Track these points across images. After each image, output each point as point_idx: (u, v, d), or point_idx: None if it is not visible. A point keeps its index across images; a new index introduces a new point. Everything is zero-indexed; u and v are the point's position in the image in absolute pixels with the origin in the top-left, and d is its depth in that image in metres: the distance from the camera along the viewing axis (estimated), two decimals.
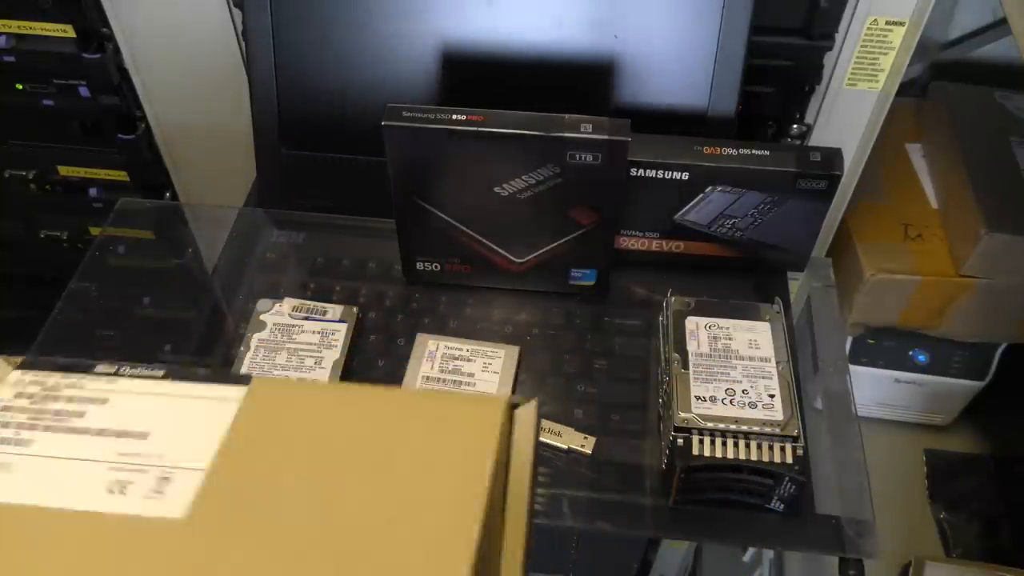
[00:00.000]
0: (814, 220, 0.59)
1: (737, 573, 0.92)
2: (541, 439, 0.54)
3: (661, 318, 0.59)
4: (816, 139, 0.71)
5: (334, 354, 0.56)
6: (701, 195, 0.58)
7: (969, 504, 0.88)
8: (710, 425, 0.49)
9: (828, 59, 0.65)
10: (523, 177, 0.55)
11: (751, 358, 0.53)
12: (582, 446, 0.53)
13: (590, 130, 0.52)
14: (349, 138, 0.65)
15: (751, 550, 0.90)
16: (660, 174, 0.57)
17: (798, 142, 0.71)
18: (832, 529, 0.51)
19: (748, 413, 0.50)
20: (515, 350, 0.57)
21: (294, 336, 0.57)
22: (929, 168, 0.87)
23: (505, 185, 0.56)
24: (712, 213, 0.59)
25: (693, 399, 0.50)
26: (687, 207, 0.59)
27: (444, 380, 0.55)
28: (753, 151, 0.57)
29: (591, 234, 0.58)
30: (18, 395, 0.27)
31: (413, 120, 0.53)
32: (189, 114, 0.77)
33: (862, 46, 0.64)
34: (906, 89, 0.90)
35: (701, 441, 0.49)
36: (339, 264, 0.64)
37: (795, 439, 0.49)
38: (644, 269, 0.64)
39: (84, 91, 0.74)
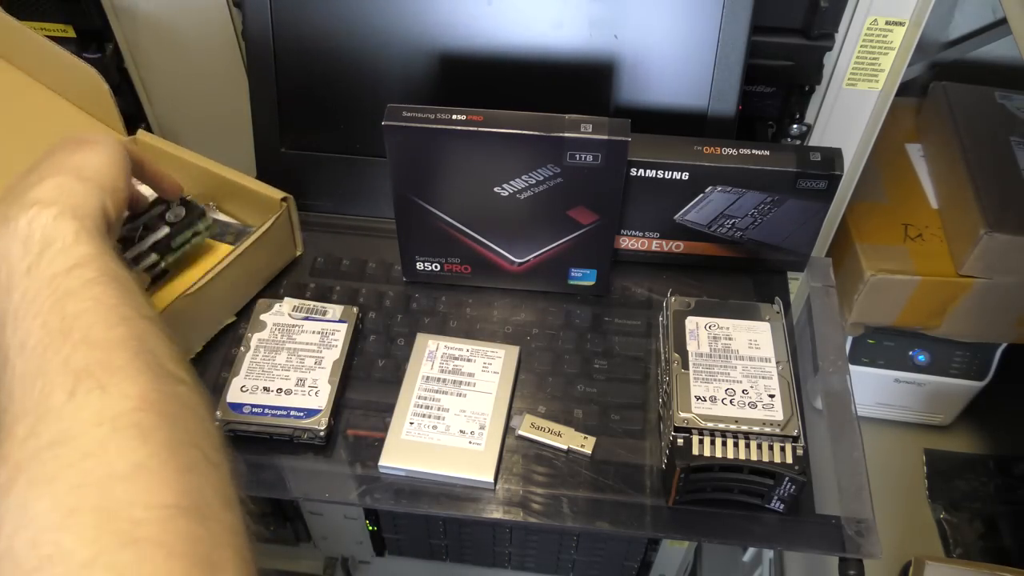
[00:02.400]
0: (814, 220, 0.59)
1: (737, 573, 0.92)
2: (541, 439, 0.54)
3: (661, 318, 0.59)
4: (816, 139, 0.71)
5: (334, 354, 0.56)
6: (701, 195, 0.58)
7: (969, 504, 0.88)
8: (710, 425, 0.49)
9: (828, 59, 0.65)
10: (523, 177, 0.55)
11: (751, 358, 0.53)
12: (582, 446, 0.53)
13: (590, 130, 0.52)
14: (349, 138, 0.65)
15: (751, 550, 0.90)
16: (660, 174, 0.57)
17: (798, 142, 0.71)
18: (832, 529, 0.51)
19: (748, 413, 0.50)
20: (515, 350, 0.57)
21: (294, 336, 0.57)
22: (929, 168, 0.87)
23: (505, 185, 0.56)
24: (712, 213, 0.59)
25: (693, 399, 0.50)
26: (687, 207, 0.59)
27: (444, 380, 0.55)
28: (753, 151, 0.57)
29: (591, 234, 0.58)
30: None
31: (413, 120, 0.53)
32: (189, 114, 0.77)
33: (862, 46, 0.64)
34: (906, 89, 0.90)
35: (701, 441, 0.49)
36: (339, 264, 0.64)
37: (795, 439, 0.49)
38: (644, 269, 0.64)
39: None
